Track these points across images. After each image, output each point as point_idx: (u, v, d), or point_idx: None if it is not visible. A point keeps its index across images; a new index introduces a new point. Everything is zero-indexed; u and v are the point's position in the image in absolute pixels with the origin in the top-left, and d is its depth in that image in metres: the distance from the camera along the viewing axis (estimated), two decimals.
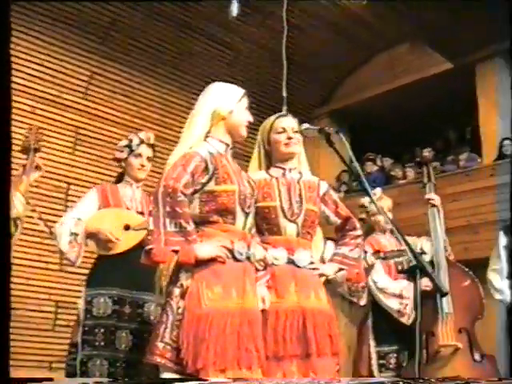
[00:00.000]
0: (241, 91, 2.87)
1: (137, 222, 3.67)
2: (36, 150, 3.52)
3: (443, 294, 3.69)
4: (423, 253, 4.18)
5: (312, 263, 3.05)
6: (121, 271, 3.59)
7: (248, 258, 2.75)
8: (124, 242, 3.65)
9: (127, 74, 8.24)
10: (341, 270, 3.15)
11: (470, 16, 7.51)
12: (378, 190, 4.49)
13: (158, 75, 8.47)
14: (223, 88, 2.88)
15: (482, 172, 7.97)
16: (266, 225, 3.01)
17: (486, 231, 7.08)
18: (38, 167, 3.54)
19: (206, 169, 2.70)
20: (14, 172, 3.54)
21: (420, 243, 4.35)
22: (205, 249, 2.61)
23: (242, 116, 2.84)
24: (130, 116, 8.27)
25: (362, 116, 9.52)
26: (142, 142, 3.87)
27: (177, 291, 2.62)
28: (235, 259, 2.69)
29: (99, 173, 7.77)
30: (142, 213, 3.76)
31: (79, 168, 7.79)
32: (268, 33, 8.37)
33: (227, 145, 2.85)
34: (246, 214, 2.78)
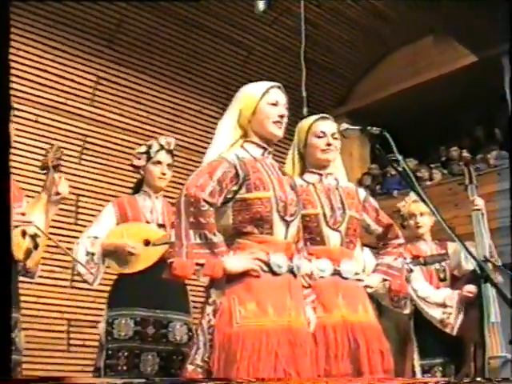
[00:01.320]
0: (265, 86, 2.73)
1: (157, 236, 3.61)
2: (55, 168, 3.42)
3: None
4: (487, 260, 4.05)
5: (357, 274, 3.04)
6: (142, 290, 3.54)
7: (291, 272, 2.62)
8: (144, 259, 3.59)
9: (135, 77, 8.17)
10: (385, 280, 3.17)
11: (495, 7, 7.36)
12: (412, 194, 4.38)
13: (167, 78, 8.40)
14: (249, 87, 2.76)
15: None
16: (307, 234, 2.96)
17: None
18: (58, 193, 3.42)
19: (237, 175, 2.60)
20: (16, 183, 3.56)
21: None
22: (234, 261, 2.52)
23: (267, 112, 2.68)
24: (139, 122, 8.20)
25: (382, 115, 9.27)
26: (161, 147, 3.81)
27: (208, 309, 2.54)
28: (273, 273, 2.56)
29: (109, 183, 7.71)
30: (163, 225, 3.71)
31: (88, 178, 7.71)
32: (283, 30, 8.27)
33: (264, 148, 2.72)
34: (287, 223, 2.64)
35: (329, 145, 3.06)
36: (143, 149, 3.81)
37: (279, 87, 2.74)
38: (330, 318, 2.85)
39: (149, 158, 3.77)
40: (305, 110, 6.46)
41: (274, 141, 2.74)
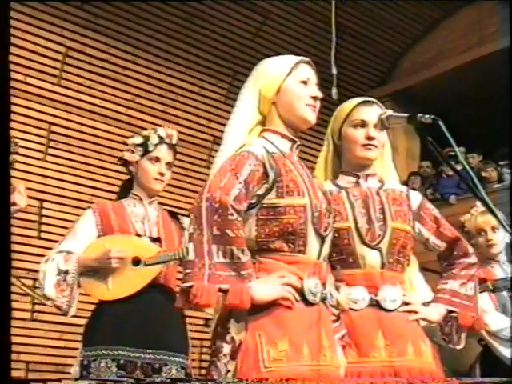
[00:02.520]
0: (293, 60, 2.77)
1: (150, 254, 3.64)
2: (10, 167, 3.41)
3: None
4: None
5: (406, 304, 2.99)
6: (129, 323, 3.55)
7: (323, 300, 2.64)
8: (133, 282, 3.61)
9: (116, 49, 8.17)
10: (450, 313, 3.10)
11: None
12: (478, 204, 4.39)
13: (157, 51, 8.42)
14: (270, 61, 2.80)
15: None
16: (336, 255, 2.94)
17: None
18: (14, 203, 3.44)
19: (265, 175, 2.61)
20: None
21: None
22: (264, 288, 2.51)
23: (298, 91, 2.72)
24: (122, 107, 8.23)
25: (434, 98, 9.41)
26: (161, 140, 3.85)
27: (226, 348, 2.53)
28: (306, 302, 2.58)
29: (82, 185, 7.71)
30: (158, 239, 3.73)
31: (54, 179, 7.71)
32: None
33: (292, 141, 2.75)
34: (322, 239, 2.67)
35: (370, 138, 3.01)
36: (139, 140, 3.84)
37: (309, 63, 2.78)
38: (368, 363, 2.83)
39: (145, 153, 3.81)
40: (334, 92, 6.48)
41: (303, 129, 2.78)
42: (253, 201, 2.58)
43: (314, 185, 2.73)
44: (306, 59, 2.79)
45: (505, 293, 4.21)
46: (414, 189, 9.64)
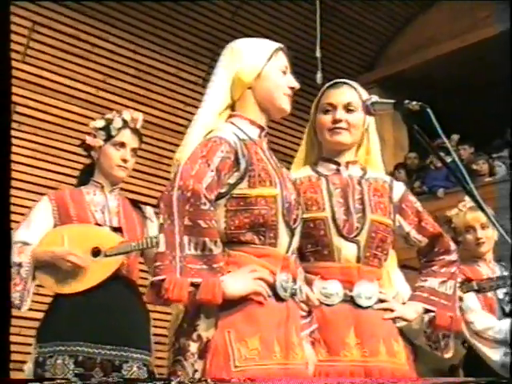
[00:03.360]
0: (273, 46, 2.79)
1: (111, 244, 3.63)
2: None
3: None
4: None
5: (382, 301, 2.98)
6: (87, 317, 3.54)
7: (293, 296, 2.64)
8: (92, 274, 3.60)
9: (86, 24, 8.12)
10: (427, 312, 3.08)
11: None
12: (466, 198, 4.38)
13: (129, 27, 8.38)
14: (248, 45, 2.80)
15: None
16: (310, 246, 2.94)
17: None
18: None
19: (236, 163, 2.59)
20: None
21: None
22: (236, 283, 2.50)
23: (278, 80, 2.74)
24: (91, 88, 8.19)
25: (425, 84, 9.42)
26: (125, 124, 3.83)
27: (193, 346, 2.51)
28: (277, 298, 2.57)
29: (48, 170, 7.69)
30: (119, 229, 3.72)
31: (17, 163, 7.56)
32: None
33: (261, 128, 2.75)
34: (292, 232, 2.67)
35: (336, 121, 3.02)
36: (101, 123, 3.83)
37: (285, 51, 2.81)
38: (337, 362, 2.83)
39: (108, 137, 3.80)
40: (319, 77, 6.46)
41: (277, 117, 2.82)
42: (223, 190, 2.56)
43: (283, 174, 2.71)
44: (282, 46, 2.80)
45: (490, 294, 4.20)
46: (399, 181, 9.61)
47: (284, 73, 2.75)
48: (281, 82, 2.73)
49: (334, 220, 2.93)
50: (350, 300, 2.90)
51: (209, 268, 2.46)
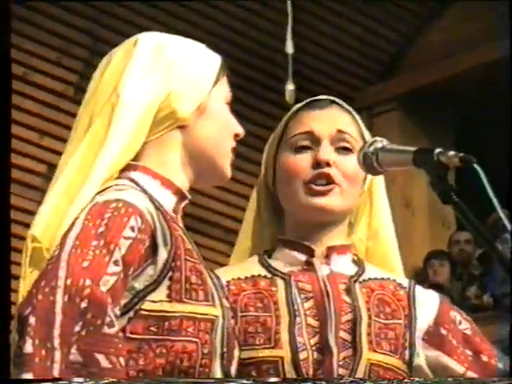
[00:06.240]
0: (216, 60, 1.79)
1: None
2: None
3: None
4: None
5: None
6: None
7: None
8: None
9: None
10: None
11: None
12: None
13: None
14: (183, 49, 1.77)
15: None
16: None
17: None
18: None
19: (152, 253, 1.58)
20: None
21: None
22: None
23: (225, 120, 1.76)
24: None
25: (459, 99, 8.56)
26: None
27: None
28: None
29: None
30: None
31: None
32: None
33: (181, 195, 1.72)
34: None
35: (320, 164, 1.88)
36: None
37: (226, 68, 1.83)
38: None
39: None
40: (289, 87, 4.46)
41: (209, 184, 1.91)
42: (126, 301, 1.55)
43: (214, 278, 1.73)
44: (223, 60, 1.80)
45: None
46: (435, 284, 6.19)
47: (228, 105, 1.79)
48: (229, 125, 1.76)
49: (296, 364, 1.80)
50: None
51: None
